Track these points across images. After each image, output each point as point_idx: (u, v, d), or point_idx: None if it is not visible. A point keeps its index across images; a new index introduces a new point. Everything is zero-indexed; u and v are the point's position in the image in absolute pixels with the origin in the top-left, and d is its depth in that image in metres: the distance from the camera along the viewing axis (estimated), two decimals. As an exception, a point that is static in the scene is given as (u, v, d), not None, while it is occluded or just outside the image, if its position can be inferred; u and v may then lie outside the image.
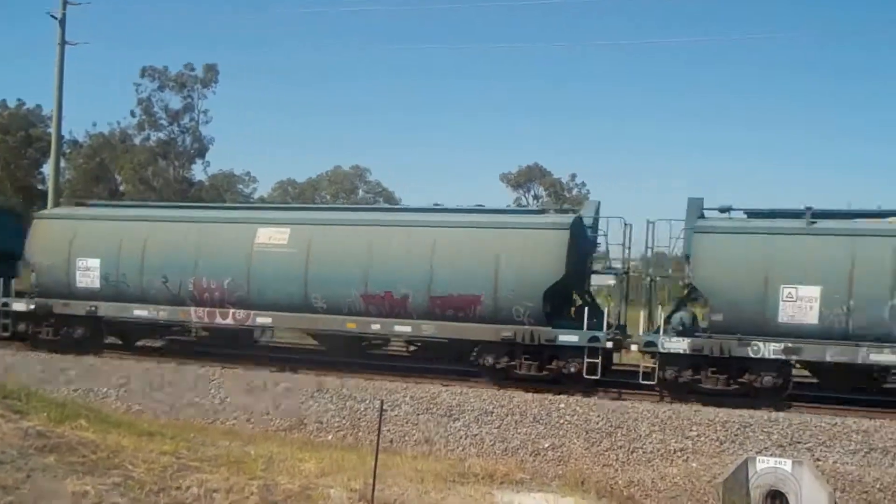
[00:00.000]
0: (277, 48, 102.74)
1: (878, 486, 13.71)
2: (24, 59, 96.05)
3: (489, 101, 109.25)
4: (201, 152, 59.46)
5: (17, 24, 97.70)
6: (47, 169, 51.37)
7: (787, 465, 13.38)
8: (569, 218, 18.68)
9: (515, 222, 18.85)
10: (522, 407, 16.61)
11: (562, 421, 16.14)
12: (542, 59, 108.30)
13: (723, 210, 18.12)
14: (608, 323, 17.87)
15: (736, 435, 15.27)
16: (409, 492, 10.97)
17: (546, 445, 15.80)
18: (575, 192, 71.84)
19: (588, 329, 17.52)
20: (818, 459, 14.44)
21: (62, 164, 43.88)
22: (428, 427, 16.68)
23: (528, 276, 17.66)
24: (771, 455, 14.11)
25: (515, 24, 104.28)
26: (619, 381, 18.15)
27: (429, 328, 18.54)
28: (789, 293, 16.16)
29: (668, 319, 17.80)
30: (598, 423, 15.91)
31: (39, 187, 55.23)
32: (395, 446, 15.97)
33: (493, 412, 16.63)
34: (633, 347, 18.28)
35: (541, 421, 16.22)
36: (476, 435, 16.31)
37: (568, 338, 17.58)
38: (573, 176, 71.59)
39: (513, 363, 18.01)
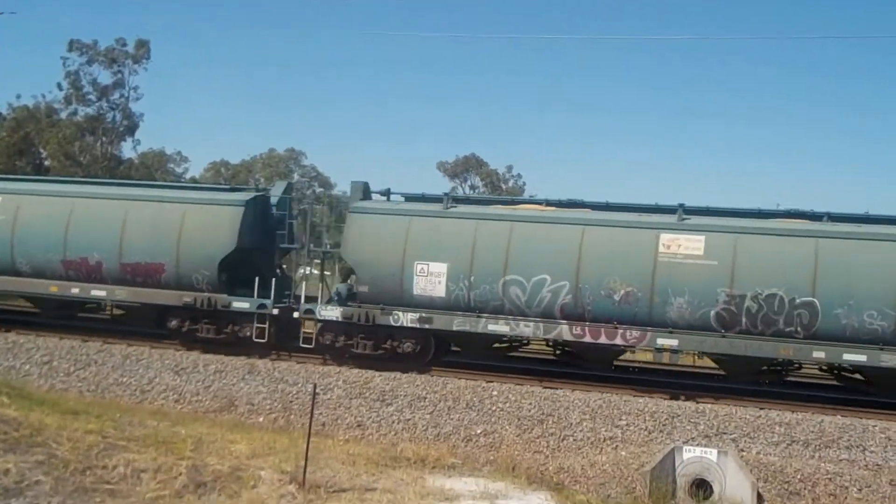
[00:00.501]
0: (215, 30, 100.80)
1: (798, 476, 14.08)
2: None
3: (434, 90, 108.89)
4: (131, 129, 58.03)
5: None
6: (-32, 141, 49.89)
7: (712, 454, 13.64)
8: (245, 195, 20.42)
9: (197, 198, 20.47)
10: (456, 393, 16.68)
11: (494, 408, 16.23)
12: (496, 51, 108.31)
13: (383, 193, 20.06)
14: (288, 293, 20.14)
15: (664, 424, 15.56)
16: (340, 474, 10.91)
17: (478, 431, 15.87)
18: (511, 183, 72.36)
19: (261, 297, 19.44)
20: (742, 450, 14.78)
21: (-16, 135, 42.45)
22: (360, 411, 16.61)
23: (205, 248, 19.52)
24: (697, 445, 14.39)
25: (462, 13, 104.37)
26: (290, 346, 19.71)
27: (122, 293, 20.23)
28: (422, 269, 18.18)
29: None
30: (530, 411, 16.05)
31: (-41, 160, 53.34)
32: (327, 430, 15.85)
33: (426, 398, 16.65)
34: (295, 314, 19.59)
35: (474, 407, 16.30)
36: (409, 420, 16.30)
37: (240, 304, 19.42)
38: (510, 167, 72.28)
39: (196, 327, 19.70)
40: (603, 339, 17.44)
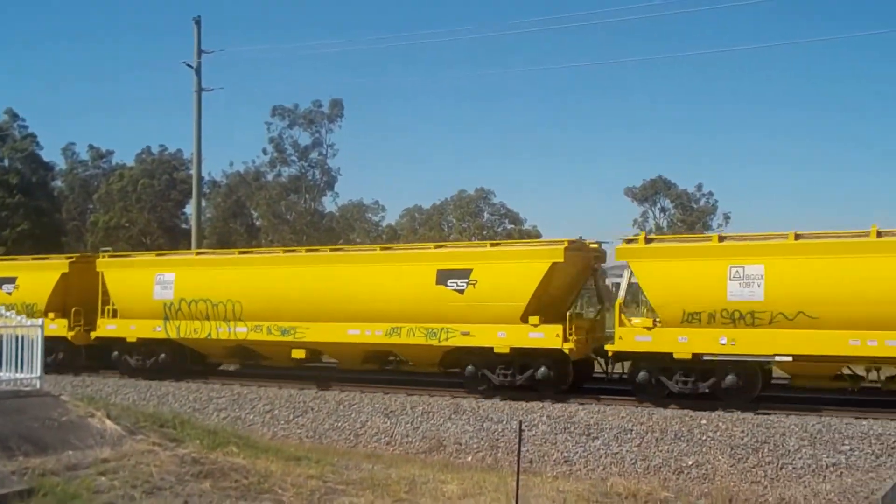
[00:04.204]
0: (398, 75, 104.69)
1: None
2: (164, 108, 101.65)
3: (608, 116, 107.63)
4: (330, 184, 61.35)
5: (157, 75, 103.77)
6: (190, 209, 54.42)
7: (951, 478, 12.62)
8: None
9: None
10: (662, 424, 16.28)
11: (705, 437, 15.71)
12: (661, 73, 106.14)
13: None
14: None
15: (893, 448, 14.49)
16: (551, 512, 10.91)
17: (690, 463, 15.40)
18: (703, 202, 70.05)
19: None
20: None
21: (203, 203, 46.14)
22: (567, 446, 16.54)
23: None
24: (934, 468, 13.34)
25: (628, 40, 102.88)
26: None
27: None
28: None
29: None
30: (743, 439, 15.41)
31: (183, 227, 58.19)
32: (534, 466, 15.90)
33: (632, 430, 16.35)
34: None
35: (683, 438, 15.84)
36: (616, 454, 16.06)
37: None
38: (699, 186, 69.81)
39: None
40: None
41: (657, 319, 18.07)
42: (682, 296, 17.42)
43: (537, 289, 18.54)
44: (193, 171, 37.49)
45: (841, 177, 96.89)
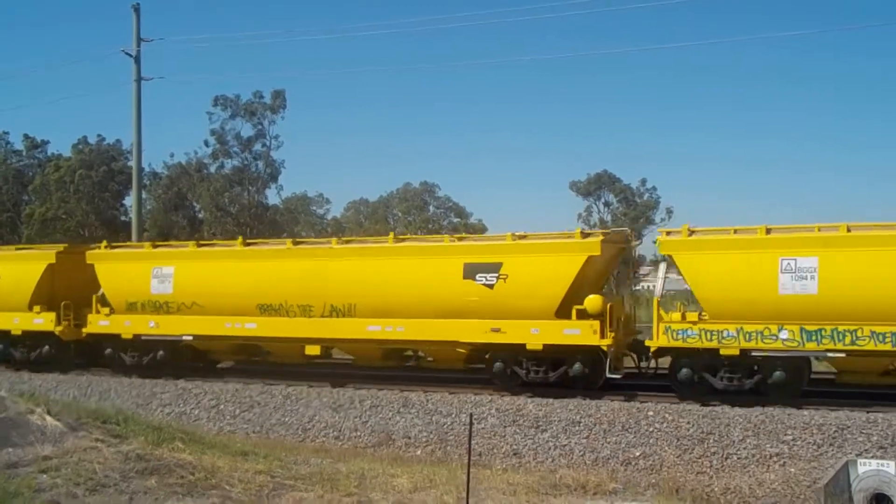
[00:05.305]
0: (340, 69, 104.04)
1: None
2: (103, 97, 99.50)
3: (556, 110, 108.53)
4: (274, 177, 60.33)
5: (95, 63, 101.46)
6: (129, 201, 53.15)
7: (890, 467, 12.89)
8: None
9: None
10: (610, 416, 16.42)
11: (651, 429, 15.88)
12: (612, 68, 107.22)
13: None
14: None
15: (834, 438, 14.82)
16: (502, 504, 10.92)
17: (637, 454, 15.55)
18: (646, 197, 70.71)
19: None
20: (924, 460, 13.89)
21: (143, 195, 45.12)
22: (516, 439, 16.58)
23: None
24: (872, 457, 13.64)
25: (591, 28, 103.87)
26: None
27: None
28: None
29: None
30: (688, 430, 15.61)
31: (123, 219, 56.94)
32: (484, 459, 15.91)
33: (580, 422, 16.46)
34: None
35: (630, 429, 15.99)
36: (565, 446, 16.15)
37: None
38: (643, 181, 70.37)
39: None
40: None
41: (112, 308, 22.43)
42: (123, 290, 22.19)
43: (38, 284, 23.16)
44: (133, 162, 36.72)
45: (780, 173, 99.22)
